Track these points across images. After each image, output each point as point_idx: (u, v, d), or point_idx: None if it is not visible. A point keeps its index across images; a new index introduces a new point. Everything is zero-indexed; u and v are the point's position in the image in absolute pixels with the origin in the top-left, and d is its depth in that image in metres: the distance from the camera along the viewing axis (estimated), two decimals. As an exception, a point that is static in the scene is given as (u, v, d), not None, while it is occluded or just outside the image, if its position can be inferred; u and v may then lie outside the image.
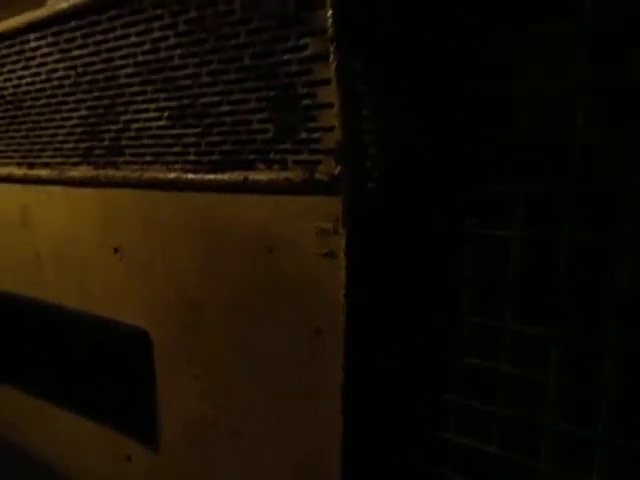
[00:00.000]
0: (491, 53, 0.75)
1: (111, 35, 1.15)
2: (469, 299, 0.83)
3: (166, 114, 1.10)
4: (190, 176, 1.07)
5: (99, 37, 1.17)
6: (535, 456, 0.79)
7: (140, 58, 1.11)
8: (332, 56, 0.81)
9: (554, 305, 0.75)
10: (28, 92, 1.38)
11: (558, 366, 0.76)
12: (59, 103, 1.32)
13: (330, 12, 0.79)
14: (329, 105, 0.85)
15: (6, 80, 1.43)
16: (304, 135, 0.90)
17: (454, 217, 0.83)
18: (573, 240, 0.73)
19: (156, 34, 1.07)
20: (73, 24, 1.22)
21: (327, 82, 0.85)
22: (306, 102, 0.88)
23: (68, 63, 1.26)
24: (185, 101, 1.05)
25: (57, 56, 1.28)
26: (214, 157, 1.03)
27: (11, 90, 1.42)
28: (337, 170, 0.86)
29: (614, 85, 0.67)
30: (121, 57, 1.14)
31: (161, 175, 1.13)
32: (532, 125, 0.74)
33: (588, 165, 0.70)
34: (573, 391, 0.75)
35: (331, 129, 0.86)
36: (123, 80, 1.16)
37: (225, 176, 1.01)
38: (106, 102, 1.21)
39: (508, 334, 0.80)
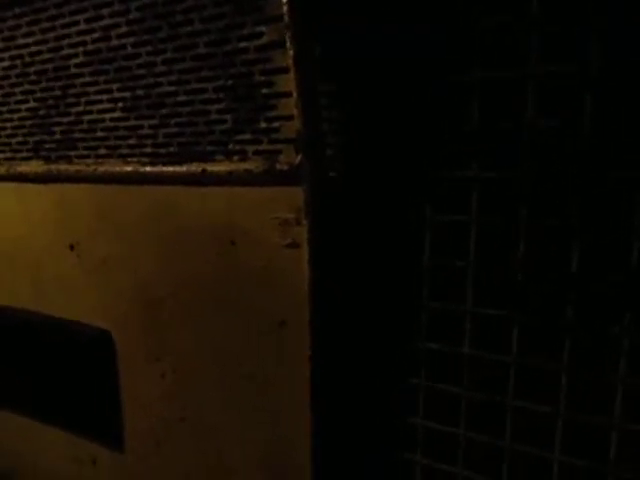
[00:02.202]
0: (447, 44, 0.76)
1: (58, 22, 1.09)
2: (431, 284, 0.84)
3: (120, 105, 1.06)
4: (147, 169, 1.04)
5: (46, 24, 1.12)
6: (501, 435, 0.81)
7: (90, 47, 1.06)
8: (289, 44, 0.79)
9: (513, 288, 0.77)
10: (-29, 83, 1.31)
11: (520, 348, 0.78)
12: (5, 95, 1.25)
13: (286, -1, 0.78)
14: (288, 94, 0.84)
15: (-54, 71, 1.34)
16: (263, 125, 0.89)
17: (415, 204, 0.83)
18: (529, 225, 0.74)
19: (106, 21, 1.02)
20: (17, 11, 1.15)
21: (285, 70, 0.83)
22: (264, 91, 0.87)
23: (13, 52, 1.20)
24: (139, 91, 1.02)
25: (1, 45, 1.21)
26: (171, 149, 1.01)
27: (-48, 82, 1.34)
28: (298, 160, 0.85)
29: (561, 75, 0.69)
30: (70, 45, 1.09)
31: (117, 168, 1.09)
32: (485, 114, 0.75)
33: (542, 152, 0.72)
34: (535, 371, 0.78)
35: (290, 118, 0.84)
36: (73, 70, 1.11)
37: (183, 168, 0.99)
38: (56, 93, 1.15)
39: (469, 318, 0.81)
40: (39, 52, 1.15)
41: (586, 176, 0.69)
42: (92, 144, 1.13)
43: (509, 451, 0.81)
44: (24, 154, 1.26)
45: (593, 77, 0.67)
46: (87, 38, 1.06)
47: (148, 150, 1.04)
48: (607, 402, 0.72)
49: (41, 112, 1.19)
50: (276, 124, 0.88)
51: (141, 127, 1.04)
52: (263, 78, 0.86)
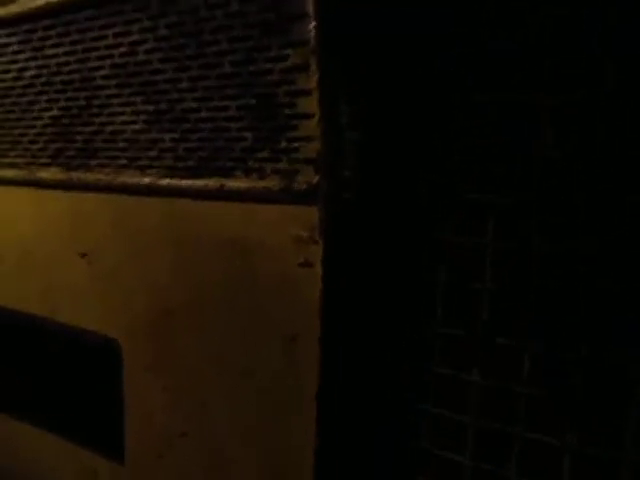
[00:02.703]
0: (468, 66, 0.78)
1: (87, 35, 1.12)
2: (443, 307, 0.84)
3: (142, 118, 1.08)
4: (165, 181, 1.05)
5: (75, 37, 1.15)
6: (506, 464, 0.80)
7: (117, 60, 1.09)
8: (313, 67, 0.81)
9: (525, 315, 0.77)
10: (-4, 90, 1.34)
11: (529, 376, 0.77)
12: (30, 102, 1.28)
13: (313, 24, 0.80)
14: (309, 115, 0.86)
15: (-27, 76, 1.38)
16: (283, 144, 0.90)
17: (429, 226, 0.84)
18: (543, 250, 0.75)
19: (135, 37, 1.05)
20: (47, 22, 1.19)
21: (308, 92, 0.85)
22: (286, 111, 0.89)
23: (41, 62, 1.23)
24: (163, 105, 1.04)
25: (29, 54, 1.24)
26: (191, 163, 1.02)
27: (-22, 87, 1.37)
28: (315, 180, 0.86)
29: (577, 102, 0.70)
30: (97, 58, 1.12)
31: (135, 179, 1.10)
32: (504, 137, 0.76)
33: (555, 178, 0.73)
34: (543, 401, 0.77)
35: (310, 139, 0.86)
36: (99, 81, 1.13)
37: (201, 183, 1.00)
38: (80, 103, 1.18)
39: (480, 345, 0.81)
40: (66, 63, 1.18)
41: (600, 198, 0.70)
42: (112, 154, 1.14)
43: (515, 483, 0.80)
44: (43, 160, 1.28)
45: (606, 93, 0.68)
46: (114, 52, 1.09)
47: (167, 163, 1.06)
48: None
49: (64, 120, 1.22)
50: (296, 144, 0.89)
51: (162, 140, 1.06)
52: (286, 99, 0.88)
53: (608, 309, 0.71)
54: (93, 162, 1.18)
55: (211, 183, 0.99)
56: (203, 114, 0.98)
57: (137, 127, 1.09)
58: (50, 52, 1.20)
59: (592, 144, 0.70)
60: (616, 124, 0.68)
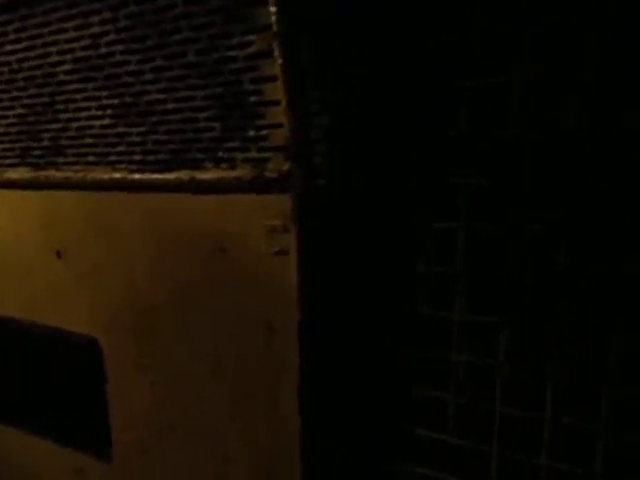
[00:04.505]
0: (438, 49, 0.77)
1: (46, 30, 1.09)
2: (421, 291, 0.85)
3: (109, 112, 1.06)
4: (136, 176, 1.04)
5: (34, 31, 1.11)
6: (489, 442, 0.82)
7: (79, 54, 1.06)
8: (277, 52, 0.80)
9: (502, 294, 0.78)
10: (-43, 90, 1.30)
11: (508, 353, 0.78)
12: (-8, 101, 1.24)
13: (274, 8, 0.79)
14: (276, 102, 0.84)
15: None
16: (252, 132, 0.89)
17: (403, 211, 0.84)
18: (517, 230, 0.75)
19: (95, 29, 1.02)
20: (4, 17, 1.15)
21: (274, 79, 0.84)
22: (253, 99, 0.87)
23: (1, 59, 1.19)
24: (128, 99, 1.02)
25: (-12, 51, 1.20)
26: (160, 156, 1.00)
27: (-62, 87, 1.33)
28: (286, 167, 0.85)
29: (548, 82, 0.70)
30: (58, 52, 1.09)
31: (105, 175, 1.08)
32: (475, 121, 0.76)
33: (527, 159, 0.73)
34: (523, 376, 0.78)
35: (279, 126, 0.85)
36: (62, 77, 1.10)
37: (172, 176, 0.99)
38: (44, 100, 1.15)
39: (458, 325, 0.82)
40: (27, 59, 1.14)
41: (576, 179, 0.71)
42: (80, 151, 1.12)
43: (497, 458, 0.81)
44: (11, 160, 1.25)
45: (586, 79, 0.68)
46: (76, 45, 1.06)
47: (137, 157, 1.04)
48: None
49: (29, 119, 1.19)
50: (264, 132, 0.88)
51: (130, 134, 1.04)
52: (252, 87, 0.87)
53: (588, 286, 0.72)
54: (62, 160, 1.16)
55: (182, 176, 0.98)
56: (169, 105, 0.96)
57: (104, 122, 1.06)
58: (9, 48, 1.16)
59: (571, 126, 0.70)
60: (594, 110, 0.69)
